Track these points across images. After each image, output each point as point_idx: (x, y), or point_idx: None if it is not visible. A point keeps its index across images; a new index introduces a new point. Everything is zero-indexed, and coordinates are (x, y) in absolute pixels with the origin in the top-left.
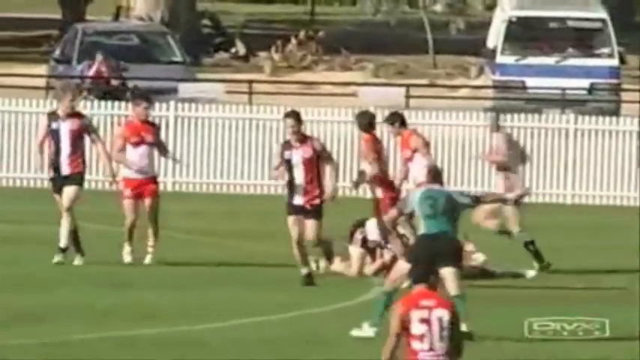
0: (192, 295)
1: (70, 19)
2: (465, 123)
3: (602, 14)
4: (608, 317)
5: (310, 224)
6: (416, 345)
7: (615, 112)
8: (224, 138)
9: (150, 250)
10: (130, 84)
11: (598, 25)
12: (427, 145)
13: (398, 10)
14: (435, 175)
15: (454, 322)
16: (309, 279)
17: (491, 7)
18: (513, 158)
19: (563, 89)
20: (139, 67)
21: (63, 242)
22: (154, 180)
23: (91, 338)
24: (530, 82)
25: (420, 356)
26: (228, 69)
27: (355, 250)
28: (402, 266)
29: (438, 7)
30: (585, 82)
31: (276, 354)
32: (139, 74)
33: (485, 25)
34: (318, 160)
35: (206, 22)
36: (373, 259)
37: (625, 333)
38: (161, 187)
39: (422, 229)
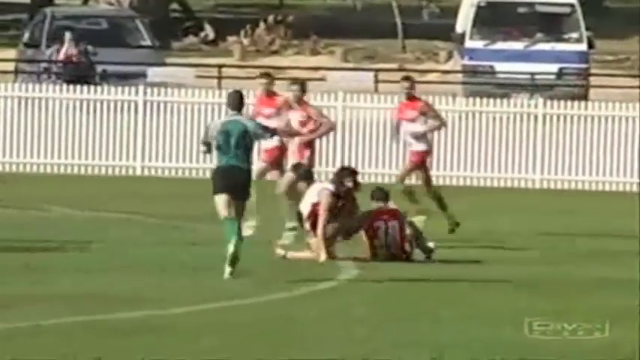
0: (155, 280)
1: (39, 3)
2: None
3: None
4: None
5: None
6: None
7: (584, 97)
8: (193, 122)
9: None
10: (99, 68)
11: (567, 9)
12: None
13: None
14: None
15: None
16: None
17: None
18: None
19: (532, 74)
20: (108, 51)
21: None
22: None
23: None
24: (499, 66)
25: None
26: (197, 53)
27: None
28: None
29: None
30: (554, 67)
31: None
32: (108, 58)
33: (457, 10)
34: None
35: (175, 6)
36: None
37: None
38: (130, 171)
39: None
